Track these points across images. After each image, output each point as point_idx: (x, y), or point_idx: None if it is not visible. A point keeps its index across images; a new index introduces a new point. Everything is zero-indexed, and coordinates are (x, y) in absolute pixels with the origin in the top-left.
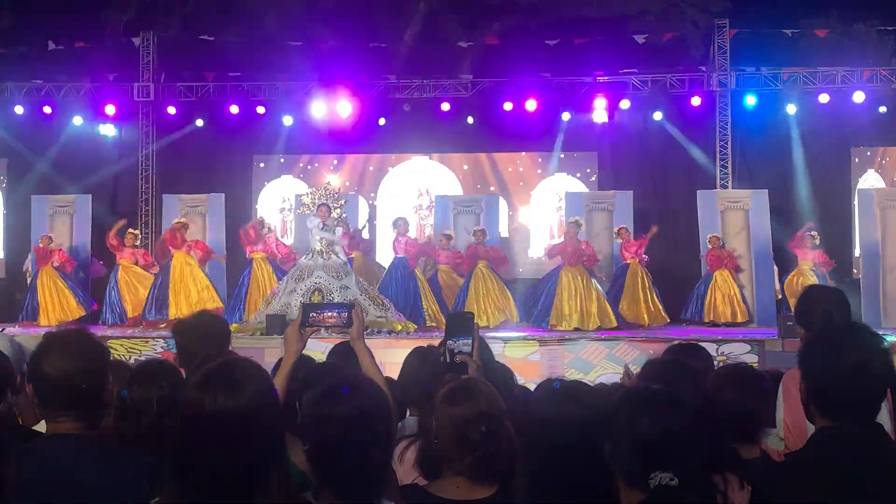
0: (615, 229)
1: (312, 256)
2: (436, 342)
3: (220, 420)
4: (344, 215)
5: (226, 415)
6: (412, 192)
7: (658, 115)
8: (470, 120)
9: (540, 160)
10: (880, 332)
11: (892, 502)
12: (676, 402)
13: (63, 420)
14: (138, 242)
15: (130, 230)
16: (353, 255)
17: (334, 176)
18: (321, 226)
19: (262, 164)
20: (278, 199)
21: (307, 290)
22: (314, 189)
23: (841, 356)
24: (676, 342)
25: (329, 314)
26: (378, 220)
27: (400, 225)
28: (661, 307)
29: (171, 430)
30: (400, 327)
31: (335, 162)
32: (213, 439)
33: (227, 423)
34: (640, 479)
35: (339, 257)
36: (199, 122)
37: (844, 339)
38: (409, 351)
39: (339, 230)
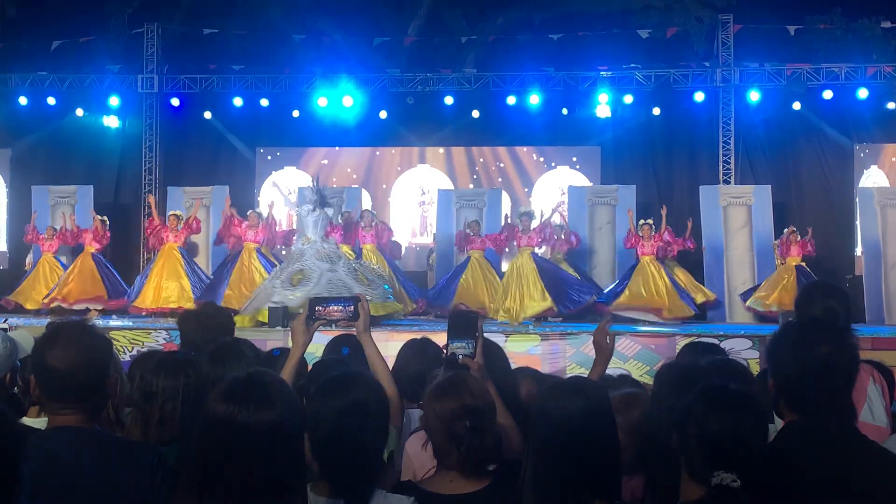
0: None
1: (304, 241)
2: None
3: (253, 433)
4: (335, 212)
5: (259, 428)
6: (415, 191)
7: (660, 111)
8: (475, 113)
9: (542, 156)
10: (848, 327)
11: (860, 494)
12: (751, 404)
13: (65, 412)
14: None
15: (172, 213)
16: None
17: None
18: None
19: (267, 157)
20: (282, 190)
21: (291, 273)
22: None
23: (808, 352)
24: (688, 342)
25: (335, 308)
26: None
27: (365, 217)
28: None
29: (188, 417)
30: (399, 307)
31: (339, 154)
32: (244, 452)
33: (260, 437)
34: (703, 474)
35: (329, 245)
36: (208, 115)
37: (810, 334)
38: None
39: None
